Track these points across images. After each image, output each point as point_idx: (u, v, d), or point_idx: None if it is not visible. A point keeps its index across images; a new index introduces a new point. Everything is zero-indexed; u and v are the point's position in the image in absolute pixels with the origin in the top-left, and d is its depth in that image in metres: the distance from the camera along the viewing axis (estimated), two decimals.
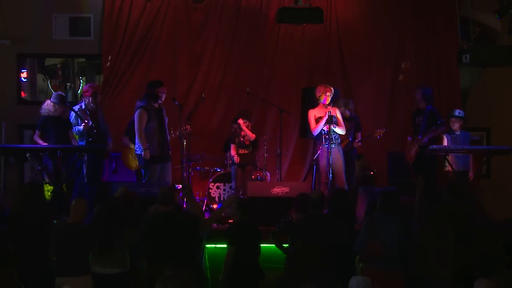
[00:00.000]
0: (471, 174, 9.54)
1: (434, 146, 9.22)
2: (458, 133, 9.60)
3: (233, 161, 9.79)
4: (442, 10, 11.08)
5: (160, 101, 8.94)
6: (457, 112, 9.70)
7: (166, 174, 8.98)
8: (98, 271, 6.11)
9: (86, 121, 8.98)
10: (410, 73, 11.11)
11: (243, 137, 9.83)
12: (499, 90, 11.29)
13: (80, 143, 9.09)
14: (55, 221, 6.79)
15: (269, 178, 10.20)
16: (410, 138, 9.75)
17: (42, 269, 6.36)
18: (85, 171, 9.07)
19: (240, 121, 9.77)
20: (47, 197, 8.52)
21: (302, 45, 11.00)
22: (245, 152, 9.85)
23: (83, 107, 9.19)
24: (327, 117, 9.09)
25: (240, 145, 9.85)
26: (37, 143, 8.82)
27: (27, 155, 8.90)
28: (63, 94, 9.24)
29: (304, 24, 10.44)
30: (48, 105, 8.86)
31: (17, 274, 5.03)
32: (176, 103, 9.26)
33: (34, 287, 6.22)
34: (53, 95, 9.08)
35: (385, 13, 11.15)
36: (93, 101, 9.17)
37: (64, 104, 8.98)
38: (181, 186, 9.14)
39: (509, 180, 10.84)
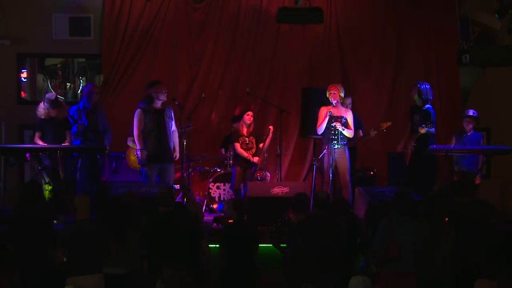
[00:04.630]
0: (478, 177, 9.29)
1: (435, 146, 9.18)
2: (470, 134, 9.43)
3: (235, 160, 9.69)
4: (442, 10, 11.07)
5: (157, 101, 8.90)
6: (471, 112, 9.52)
7: (166, 174, 8.96)
8: (106, 271, 6.10)
9: (79, 122, 8.98)
10: (410, 73, 11.10)
11: (247, 137, 9.67)
12: (499, 90, 11.27)
13: (75, 142, 9.08)
14: (55, 221, 6.80)
15: (269, 178, 10.19)
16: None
17: (42, 269, 6.36)
18: (78, 172, 9.10)
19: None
20: (47, 197, 8.53)
21: (302, 45, 10.99)
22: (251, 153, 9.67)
23: (81, 107, 9.20)
24: (328, 117, 9.10)
25: (243, 147, 9.68)
26: (37, 144, 8.81)
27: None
28: (53, 98, 8.87)
29: (304, 24, 10.44)
30: (40, 109, 8.84)
31: (17, 274, 5.04)
32: (176, 103, 9.26)
33: (34, 287, 6.23)
34: (45, 98, 8.91)
35: (385, 13, 11.14)
36: (89, 100, 9.18)
37: (57, 106, 8.87)
38: (179, 186, 9.13)
39: (509, 180, 10.82)
